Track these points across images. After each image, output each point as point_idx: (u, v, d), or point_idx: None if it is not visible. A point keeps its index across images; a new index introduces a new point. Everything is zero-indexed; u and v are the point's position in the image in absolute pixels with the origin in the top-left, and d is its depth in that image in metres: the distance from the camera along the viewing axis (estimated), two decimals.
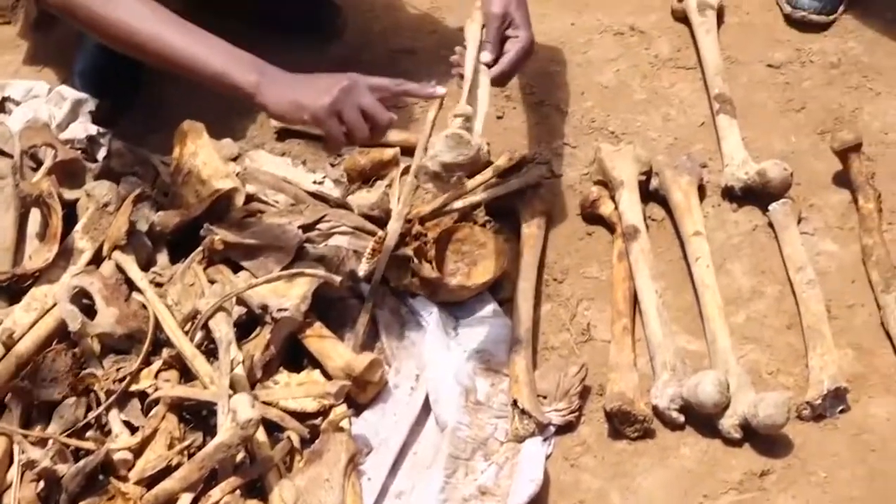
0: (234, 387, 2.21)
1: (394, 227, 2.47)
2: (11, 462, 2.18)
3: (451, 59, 2.47)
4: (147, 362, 2.30)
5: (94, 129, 2.70)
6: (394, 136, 2.77)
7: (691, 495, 2.23)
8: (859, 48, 3.02)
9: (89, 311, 2.31)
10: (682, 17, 3.09)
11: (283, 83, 2.24)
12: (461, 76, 2.44)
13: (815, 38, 3.05)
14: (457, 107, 2.30)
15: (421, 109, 2.88)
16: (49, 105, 2.72)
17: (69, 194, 2.51)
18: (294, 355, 2.38)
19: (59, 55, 2.99)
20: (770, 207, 2.61)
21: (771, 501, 2.21)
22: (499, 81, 2.50)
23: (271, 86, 2.22)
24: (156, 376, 2.27)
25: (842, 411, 2.31)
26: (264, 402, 2.23)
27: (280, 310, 2.32)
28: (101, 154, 2.66)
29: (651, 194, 2.67)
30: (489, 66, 2.46)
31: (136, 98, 2.89)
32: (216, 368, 2.24)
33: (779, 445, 2.27)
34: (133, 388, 2.26)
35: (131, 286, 2.39)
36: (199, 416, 2.26)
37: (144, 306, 2.34)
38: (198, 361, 2.26)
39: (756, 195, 2.65)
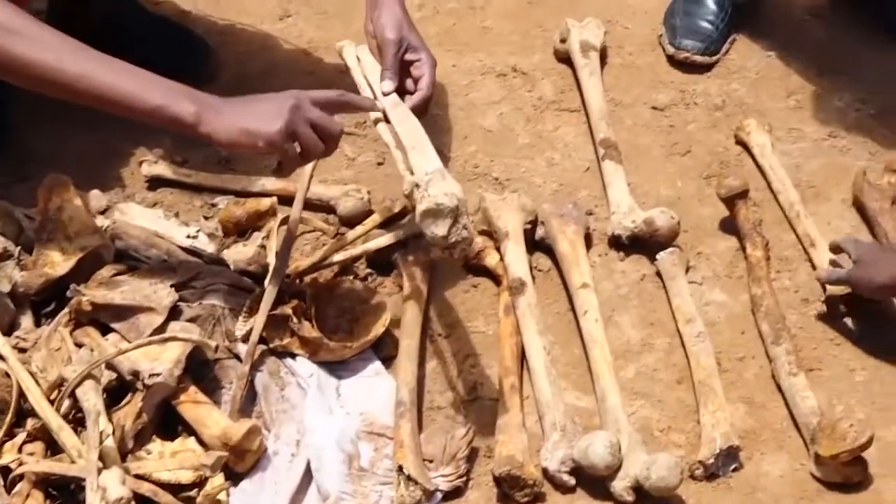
0: (103, 460, 2.09)
1: (271, 284, 2.36)
2: None
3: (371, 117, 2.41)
4: (10, 434, 2.16)
5: None
6: (270, 185, 2.69)
7: None
8: (743, 89, 3.00)
9: None
10: (564, 58, 3.04)
11: (226, 111, 2.14)
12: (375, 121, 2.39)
13: (699, 80, 3.02)
14: (404, 182, 2.20)
15: None
16: None
17: None
18: (168, 420, 2.27)
19: None
20: (658, 256, 2.57)
21: None
22: (423, 109, 2.45)
23: (215, 115, 2.13)
24: (19, 450, 2.14)
25: (734, 469, 2.26)
26: (136, 476, 2.12)
27: (152, 375, 2.21)
28: None
29: (537, 243, 2.61)
30: (386, 93, 2.40)
31: (1, 146, 2.76)
32: (84, 441, 2.12)
33: None
34: None
35: None
36: (66, 492, 2.13)
37: (7, 374, 2.21)
38: (64, 434, 2.13)
39: (643, 244, 2.60)
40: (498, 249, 2.56)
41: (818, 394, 2.34)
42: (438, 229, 2.11)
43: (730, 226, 2.66)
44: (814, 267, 2.58)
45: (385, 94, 2.41)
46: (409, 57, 2.46)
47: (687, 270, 2.57)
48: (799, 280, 2.58)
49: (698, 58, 3.03)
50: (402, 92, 2.46)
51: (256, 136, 2.12)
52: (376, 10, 2.48)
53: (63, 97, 2.16)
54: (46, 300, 2.38)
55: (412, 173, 2.20)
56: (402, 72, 2.46)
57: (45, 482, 2.12)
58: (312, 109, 2.17)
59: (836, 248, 2.50)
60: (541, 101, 2.97)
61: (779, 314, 2.46)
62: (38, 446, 2.16)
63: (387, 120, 2.38)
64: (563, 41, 3.03)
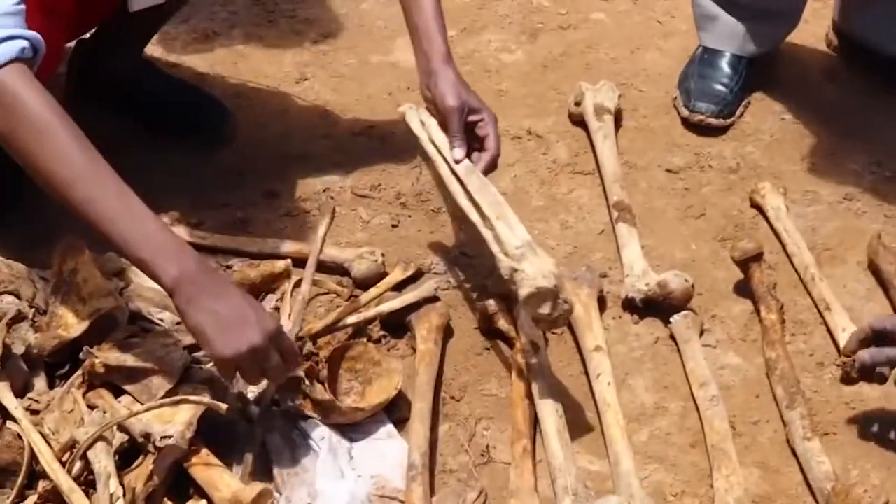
0: None
1: None
2: None
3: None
4: (21, 497, 2.16)
5: None
6: (286, 247, 2.69)
7: None
8: (757, 152, 3.01)
9: None
10: (579, 121, 3.06)
11: (199, 302, 2.10)
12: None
13: (714, 142, 3.04)
14: (500, 266, 2.28)
15: (314, 217, 2.80)
16: None
17: None
18: (179, 483, 2.26)
19: None
20: (672, 319, 2.56)
21: None
22: (493, 167, 2.49)
23: (189, 298, 2.10)
24: None
25: None
26: None
27: (164, 437, 2.20)
28: None
29: None
30: (458, 160, 2.45)
31: (16, 208, 2.77)
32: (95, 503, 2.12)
33: None
34: None
35: (5, 415, 2.25)
36: None
37: (19, 436, 2.21)
38: (76, 496, 2.13)
39: (657, 307, 2.59)
40: (512, 312, 2.55)
41: (833, 458, 2.31)
42: (543, 310, 2.24)
43: (744, 289, 2.65)
44: (829, 330, 2.57)
45: (457, 162, 2.44)
46: (471, 119, 2.48)
47: (701, 334, 2.56)
48: (814, 343, 2.57)
49: (713, 120, 3.05)
50: (469, 152, 2.48)
51: (208, 346, 2.12)
52: (431, 77, 2.49)
53: (64, 207, 2.15)
54: (60, 362, 2.38)
55: (504, 252, 2.28)
56: (467, 133, 2.49)
57: None
58: (273, 358, 2.16)
59: (881, 333, 2.33)
60: (555, 163, 2.98)
61: (793, 378, 2.44)
62: None
63: (462, 185, 2.41)
64: (577, 104, 3.05)
